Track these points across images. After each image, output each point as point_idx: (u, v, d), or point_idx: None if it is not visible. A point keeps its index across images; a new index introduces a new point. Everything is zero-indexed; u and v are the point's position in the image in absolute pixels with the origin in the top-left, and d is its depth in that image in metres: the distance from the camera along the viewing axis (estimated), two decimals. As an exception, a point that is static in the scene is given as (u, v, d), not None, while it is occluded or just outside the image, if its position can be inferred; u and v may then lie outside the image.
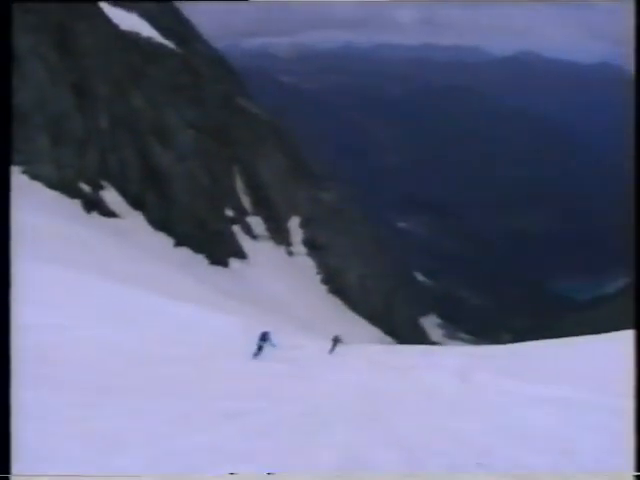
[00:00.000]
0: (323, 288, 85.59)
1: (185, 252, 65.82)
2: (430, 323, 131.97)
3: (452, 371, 20.75)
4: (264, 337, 22.30)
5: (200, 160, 75.97)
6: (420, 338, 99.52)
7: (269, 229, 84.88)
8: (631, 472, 8.92)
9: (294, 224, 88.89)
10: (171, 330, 24.71)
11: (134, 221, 62.51)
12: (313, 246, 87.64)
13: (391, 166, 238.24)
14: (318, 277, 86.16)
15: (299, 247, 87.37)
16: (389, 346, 52.24)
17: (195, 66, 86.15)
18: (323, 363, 23.00)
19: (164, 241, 64.93)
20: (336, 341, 29.02)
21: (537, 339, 34.26)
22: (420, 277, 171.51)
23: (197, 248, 67.42)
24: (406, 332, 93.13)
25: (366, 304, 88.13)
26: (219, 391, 14.63)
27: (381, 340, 78.75)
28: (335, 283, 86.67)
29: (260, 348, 21.87)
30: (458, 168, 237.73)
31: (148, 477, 8.20)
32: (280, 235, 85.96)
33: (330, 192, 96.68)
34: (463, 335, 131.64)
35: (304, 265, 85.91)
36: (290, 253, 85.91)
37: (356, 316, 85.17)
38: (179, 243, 65.64)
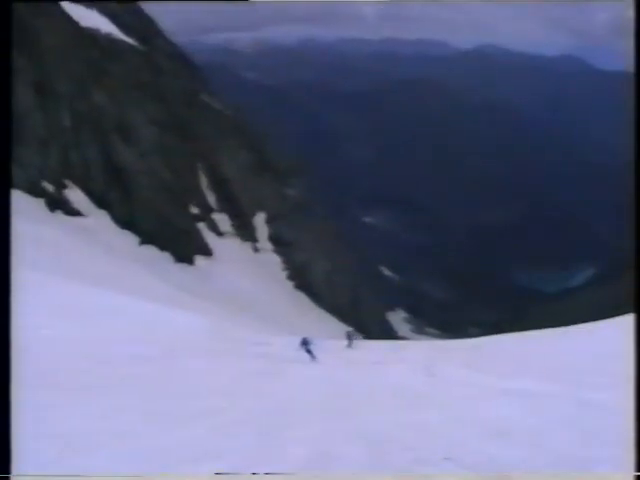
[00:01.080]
0: (289, 284, 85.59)
1: (150, 250, 65.51)
2: (397, 318, 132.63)
3: (418, 365, 20.89)
4: (304, 342, 24.22)
5: (163, 157, 75.53)
6: (387, 333, 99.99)
7: (234, 226, 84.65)
8: (631, 472, 8.73)
9: (260, 220, 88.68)
10: (136, 329, 24.57)
11: (98, 220, 62.06)
12: (279, 242, 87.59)
13: (357, 161, 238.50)
14: (284, 273, 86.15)
15: (265, 243, 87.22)
16: (356, 342, 52.49)
17: (157, 62, 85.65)
18: (290, 360, 23.01)
19: (129, 239, 64.52)
20: (351, 336, 31.17)
21: (504, 332, 34.67)
22: (386, 272, 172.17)
23: (162, 246, 67.12)
24: (373, 327, 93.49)
25: (332, 300, 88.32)
26: (185, 390, 14.55)
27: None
28: (301, 279, 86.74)
29: (309, 352, 23.79)
30: (425, 162, 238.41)
31: (149, 477, 8.17)
32: (246, 231, 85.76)
33: (295, 188, 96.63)
34: (430, 329, 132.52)
35: (270, 261, 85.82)
36: (256, 249, 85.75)
37: (322, 312, 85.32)
38: (144, 241, 65.30)
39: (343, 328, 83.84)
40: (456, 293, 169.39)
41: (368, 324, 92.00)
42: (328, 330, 72.22)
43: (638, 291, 11.02)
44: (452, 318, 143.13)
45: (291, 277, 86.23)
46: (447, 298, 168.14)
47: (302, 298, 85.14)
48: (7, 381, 9.10)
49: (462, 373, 18.48)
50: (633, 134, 10.67)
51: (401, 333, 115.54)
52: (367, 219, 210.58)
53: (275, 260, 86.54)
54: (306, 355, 23.51)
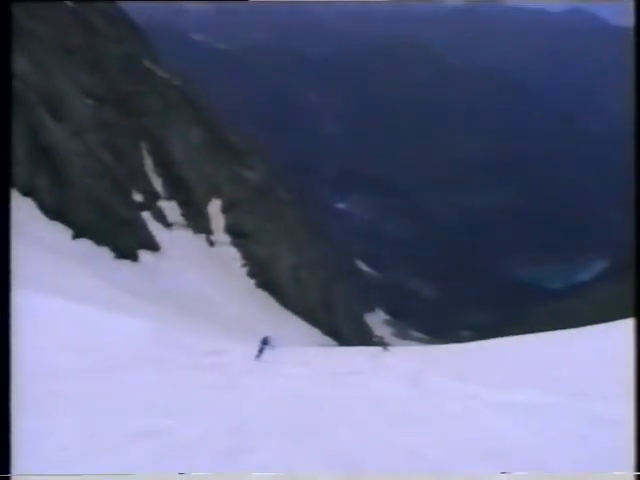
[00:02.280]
0: (250, 282, 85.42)
1: (86, 244, 64.85)
2: (377, 320, 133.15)
3: (402, 376, 20.87)
4: (265, 341, 26.81)
5: (101, 135, 74.79)
6: (365, 338, 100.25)
7: (185, 215, 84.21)
8: (631, 472, 9.52)
9: (215, 209, 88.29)
10: (71, 338, 24.32)
11: (23, 209, 61.32)
12: (237, 234, 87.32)
13: (327, 138, 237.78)
14: (244, 270, 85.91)
15: (221, 235, 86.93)
16: (329, 348, 52.57)
17: (91, 23, 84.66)
18: (251, 370, 22.90)
19: (60, 232, 63.81)
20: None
21: (502, 336, 34.75)
22: (364, 267, 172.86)
23: (100, 239, 66.48)
24: (349, 331, 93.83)
25: (301, 299, 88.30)
26: (127, 407, 14.39)
27: (320, 341, 79.22)
28: (264, 276, 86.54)
29: (261, 351, 26.25)
30: (405, 139, 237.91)
31: (149, 477, 8.55)
32: (199, 222, 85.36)
33: (256, 170, 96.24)
34: (415, 333, 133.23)
35: (227, 256, 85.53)
36: (211, 243, 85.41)
37: (290, 314, 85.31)
38: (78, 234, 64.65)
39: (314, 333, 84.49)
40: (445, 291, 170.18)
41: (343, 328, 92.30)
42: (296, 335, 72.39)
43: (638, 295, 11.79)
44: (441, 320, 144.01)
45: (252, 274, 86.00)
46: (435, 297, 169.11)
47: (265, 298, 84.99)
48: (7, 381, 10.40)
49: (453, 384, 18.47)
50: (633, 135, 11.33)
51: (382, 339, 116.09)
52: (340, 205, 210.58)
53: (233, 255, 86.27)
54: (269, 364, 23.51)
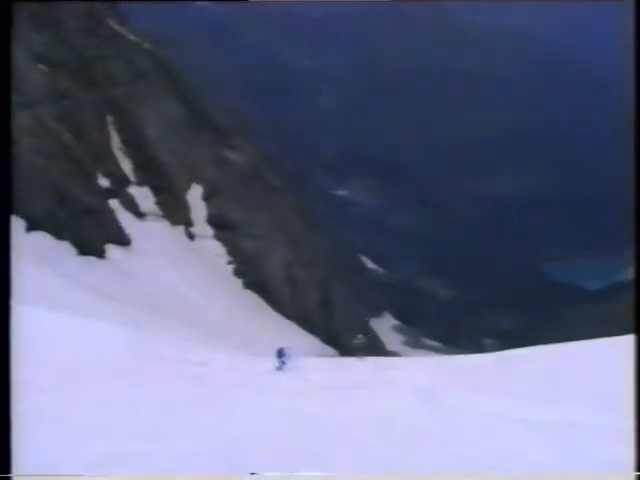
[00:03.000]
0: (237, 282, 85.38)
1: (42, 238, 64.56)
2: (385, 326, 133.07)
3: (415, 391, 20.80)
4: (281, 353, 28.60)
5: (58, 108, 74.47)
6: (371, 347, 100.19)
7: (161, 204, 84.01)
8: (631, 472, 10.41)
9: (195, 196, 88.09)
10: (29, 349, 24.23)
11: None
12: (222, 225, 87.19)
13: (323, 112, 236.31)
14: (230, 267, 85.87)
15: (203, 227, 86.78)
16: (330, 359, 52.42)
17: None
18: (239, 384, 22.89)
19: (12, 224, 63.65)
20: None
21: (530, 344, 34.66)
22: (369, 263, 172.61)
23: (59, 232, 66.24)
24: (351, 339, 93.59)
25: (296, 302, 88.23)
26: (92, 429, 14.34)
27: (318, 351, 78.96)
28: (253, 274, 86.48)
29: (282, 363, 28.19)
30: (414, 114, 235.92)
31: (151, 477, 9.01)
32: (176, 212, 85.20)
33: (242, 151, 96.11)
34: (429, 342, 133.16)
35: (210, 252, 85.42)
36: (191, 236, 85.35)
37: (283, 319, 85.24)
38: (33, 226, 64.40)
39: (311, 341, 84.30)
40: (463, 291, 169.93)
41: (345, 335, 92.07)
42: (291, 344, 72.29)
43: (638, 311, 12.74)
44: (458, 326, 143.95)
45: (239, 272, 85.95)
46: (451, 298, 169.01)
47: (254, 301, 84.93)
48: (7, 381, 11.38)
49: (474, 400, 18.45)
50: (633, 137, 12.57)
51: (390, 347, 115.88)
52: (340, 192, 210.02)
53: (217, 250, 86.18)
54: (259, 377, 23.55)
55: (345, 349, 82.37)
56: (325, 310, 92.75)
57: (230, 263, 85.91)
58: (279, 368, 28.37)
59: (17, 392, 17.29)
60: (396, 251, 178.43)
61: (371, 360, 38.52)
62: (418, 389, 21.05)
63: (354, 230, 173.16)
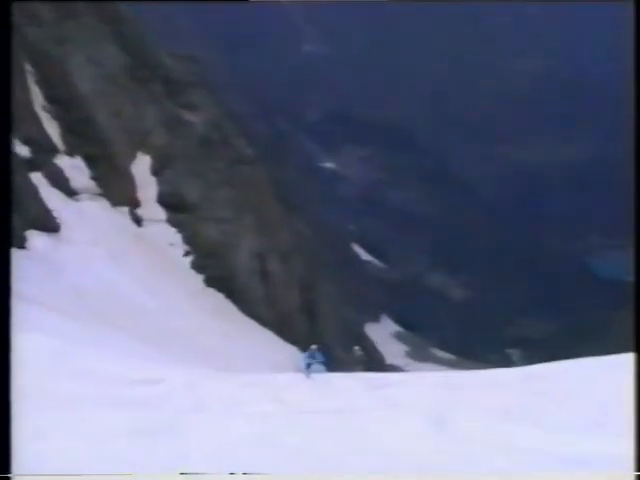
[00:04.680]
0: (196, 278, 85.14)
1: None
2: (384, 333, 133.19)
3: (421, 414, 20.78)
4: (312, 355, 30.89)
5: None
6: (367, 359, 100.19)
7: (98, 179, 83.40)
8: (631, 472, 12.05)
9: (142, 169, 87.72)
10: None
11: None
12: (176, 206, 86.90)
13: (308, 60, 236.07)
14: (187, 260, 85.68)
15: (152, 209, 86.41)
16: (312, 375, 52.35)
17: None
18: (197, 407, 22.82)
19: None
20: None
21: (567, 356, 34.59)
22: (363, 255, 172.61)
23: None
24: (342, 350, 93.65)
25: (271, 304, 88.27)
26: (28, 459, 14.25)
27: (299, 365, 78.49)
28: (216, 269, 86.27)
29: (309, 365, 30.55)
30: (419, 66, 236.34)
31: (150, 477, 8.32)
32: (118, 189, 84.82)
33: (202, 110, 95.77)
34: (440, 353, 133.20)
35: (162, 240, 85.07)
36: (137, 220, 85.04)
37: (255, 325, 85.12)
38: None
39: (290, 352, 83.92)
40: (481, 290, 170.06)
41: (333, 344, 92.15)
42: (264, 356, 72.12)
43: (637, 329, 14.35)
44: (477, 333, 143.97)
45: (199, 266, 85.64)
46: (466, 298, 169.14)
47: (219, 302, 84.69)
48: (7, 380, 13.08)
49: (496, 429, 18.43)
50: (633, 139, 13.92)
51: (391, 359, 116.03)
52: (328, 164, 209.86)
53: (171, 238, 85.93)
54: (224, 399, 23.46)
55: (334, 362, 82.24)
56: (308, 314, 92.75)
57: (187, 254, 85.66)
58: (305, 372, 30.77)
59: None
60: (398, 239, 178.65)
61: (366, 377, 38.22)
62: (424, 411, 20.99)
63: (345, 212, 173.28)
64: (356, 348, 35.82)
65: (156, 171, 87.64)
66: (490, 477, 8.91)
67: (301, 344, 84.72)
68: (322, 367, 29.78)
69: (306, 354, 30.99)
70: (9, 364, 10.71)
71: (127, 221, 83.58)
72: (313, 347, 29.90)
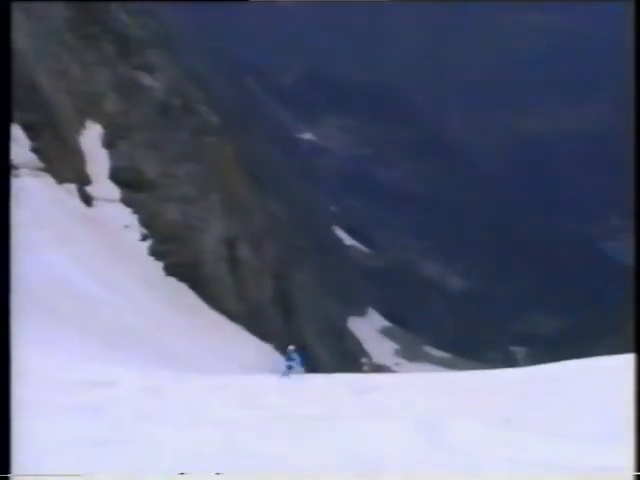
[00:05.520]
0: (155, 266, 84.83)
1: None
2: (370, 329, 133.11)
3: (411, 422, 20.81)
4: (290, 356, 31.74)
5: None
6: (350, 359, 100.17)
7: (39, 151, 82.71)
8: (631, 472, 13.11)
9: (92, 139, 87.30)
10: None
11: None
12: (132, 184, 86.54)
13: (283, 16, 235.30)
14: (144, 245, 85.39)
15: (105, 186, 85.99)
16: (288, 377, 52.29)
17: None
18: (155, 414, 22.84)
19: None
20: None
21: (579, 355, 34.63)
22: (347, 239, 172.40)
23: None
24: (323, 349, 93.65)
25: (241, 295, 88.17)
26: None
27: (273, 365, 78.39)
28: (178, 255, 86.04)
29: (290, 367, 31.44)
30: (410, 24, 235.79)
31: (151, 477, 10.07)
32: (64, 163, 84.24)
33: (160, 72, 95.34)
34: (434, 351, 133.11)
35: (116, 222, 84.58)
36: (87, 199, 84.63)
37: (222, 318, 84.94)
38: None
39: (264, 351, 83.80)
40: (481, 279, 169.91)
41: (312, 342, 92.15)
42: (234, 355, 71.95)
43: (638, 329, 15.36)
44: (475, 328, 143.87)
45: (158, 253, 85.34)
46: (466, 289, 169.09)
47: (181, 292, 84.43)
48: (7, 380, 14.13)
49: (497, 437, 18.48)
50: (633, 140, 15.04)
51: (378, 358, 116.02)
52: (307, 135, 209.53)
53: (126, 219, 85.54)
54: (187, 402, 23.52)
55: (314, 361, 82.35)
56: (283, 306, 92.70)
57: (145, 239, 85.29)
58: (284, 374, 31.63)
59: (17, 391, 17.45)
60: (386, 221, 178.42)
61: (349, 379, 38.09)
62: (416, 422, 20.97)
63: (326, 191, 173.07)
64: (363, 360, 36.22)
65: (108, 143, 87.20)
66: (490, 477, 8.98)
67: (275, 341, 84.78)
68: (300, 369, 30.11)
69: (284, 357, 32.24)
70: (9, 365, 11.33)
71: (75, 201, 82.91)
72: (290, 348, 30.00)
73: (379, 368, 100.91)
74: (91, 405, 23.41)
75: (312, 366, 69.16)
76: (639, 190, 15.78)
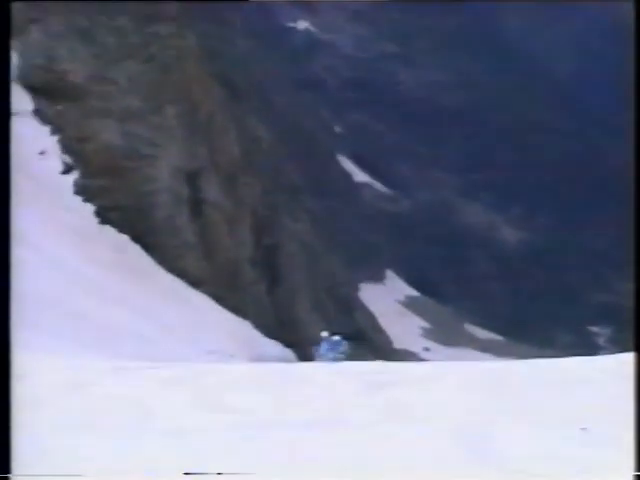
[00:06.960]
0: (85, 210, 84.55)
1: None
2: (390, 301, 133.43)
3: (446, 431, 20.70)
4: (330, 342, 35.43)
5: None
6: (366, 343, 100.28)
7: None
8: (631, 472, 15.31)
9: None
10: None
11: None
12: (51, 90, 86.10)
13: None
14: (68, 180, 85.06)
15: (14, 94, 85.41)
16: (278, 366, 52.23)
17: None
18: (83, 419, 22.84)
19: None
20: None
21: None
22: (357, 173, 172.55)
23: None
24: (323, 327, 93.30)
25: (207, 252, 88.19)
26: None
27: (258, 351, 78.54)
28: (117, 195, 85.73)
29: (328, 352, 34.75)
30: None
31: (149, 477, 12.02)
32: None
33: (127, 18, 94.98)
34: (478, 331, 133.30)
35: (27, 146, 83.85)
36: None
37: (181, 284, 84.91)
38: None
39: (233, 325, 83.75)
40: (548, 229, 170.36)
41: (308, 318, 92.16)
42: (192, 333, 72.05)
43: (638, 329, 18.80)
44: (540, 300, 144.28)
45: (88, 190, 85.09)
46: (525, 243, 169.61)
47: (121, 247, 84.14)
48: (7, 380, 16.79)
49: (569, 453, 18.38)
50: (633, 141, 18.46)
51: (401, 343, 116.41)
52: (301, 23, 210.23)
53: (41, 142, 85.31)
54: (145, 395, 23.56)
55: (306, 346, 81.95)
56: (266, 268, 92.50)
57: (69, 171, 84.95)
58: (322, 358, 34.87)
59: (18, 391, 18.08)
60: (413, 148, 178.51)
61: (362, 369, 37.37)
62: (452, 432, 20.82)
63: (328, 104, 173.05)
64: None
65: (17, 28, 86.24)
66: (490, 477, 9.32)
67: (255, 316, 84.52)
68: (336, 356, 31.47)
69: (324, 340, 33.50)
70: (9, 364, 12.30)
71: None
72: (324, 334, 30.87)
73: (401, 354, 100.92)
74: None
75: (304, 355, 69.20)
76: (639, 190, 18.52)
